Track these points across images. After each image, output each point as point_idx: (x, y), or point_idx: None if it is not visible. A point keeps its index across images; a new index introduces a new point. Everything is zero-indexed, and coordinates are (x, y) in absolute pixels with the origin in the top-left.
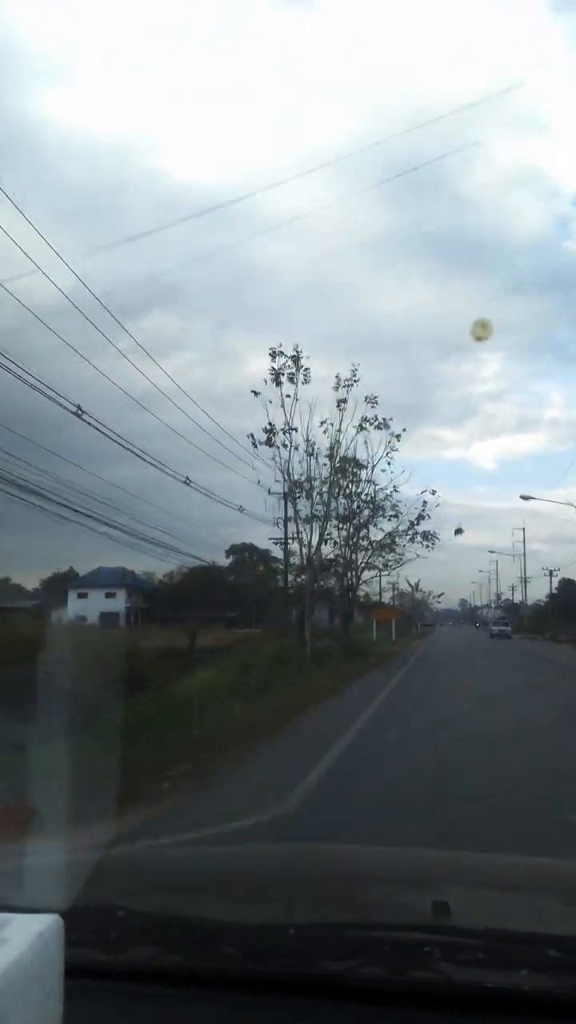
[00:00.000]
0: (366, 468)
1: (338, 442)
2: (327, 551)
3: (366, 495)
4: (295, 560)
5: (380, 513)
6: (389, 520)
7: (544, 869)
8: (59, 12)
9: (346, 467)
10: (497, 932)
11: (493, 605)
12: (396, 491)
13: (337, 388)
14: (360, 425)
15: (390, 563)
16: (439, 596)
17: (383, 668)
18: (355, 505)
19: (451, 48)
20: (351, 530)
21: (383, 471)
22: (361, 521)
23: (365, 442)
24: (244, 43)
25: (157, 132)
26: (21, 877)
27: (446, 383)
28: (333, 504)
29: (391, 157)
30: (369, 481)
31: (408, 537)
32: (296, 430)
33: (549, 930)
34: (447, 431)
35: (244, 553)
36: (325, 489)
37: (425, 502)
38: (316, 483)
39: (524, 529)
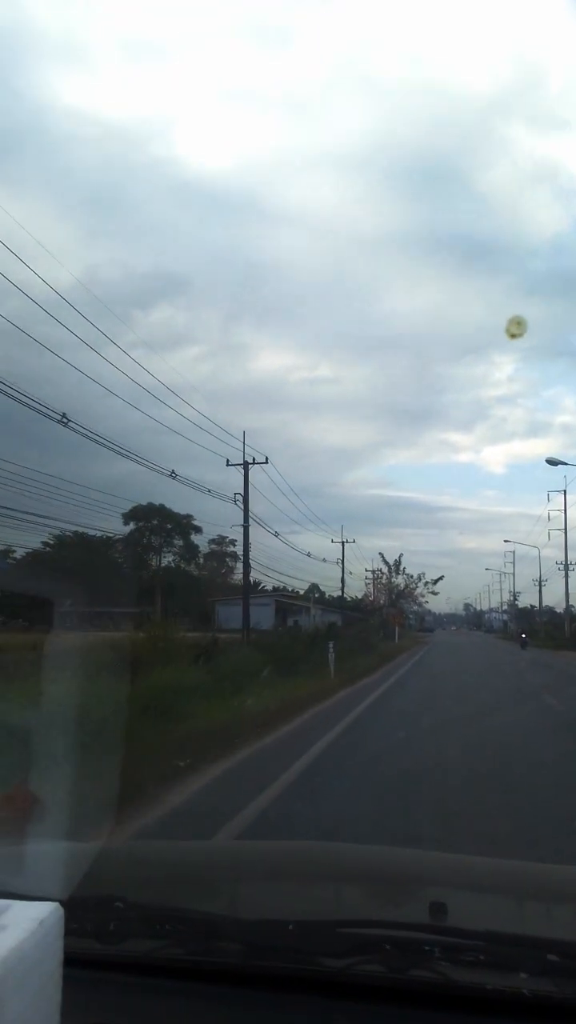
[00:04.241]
0: None
1: None
2: None
3: None
4: None
5: None
6: None
7: (542, 874)
8: None
9: None
10: (497, 935)
11: (504, 608)
12: None
13: None
14: None
15: None
16: (434, 583)
17: None
18: None
19: (471, 41)
20: None
21: None
22: None
23: None
24: (262, 30)
25: (168, 118)
26: (22, 865)
27: (457, 386)
28: None
29: (407, 152)
30: None
31: None
32: None
33: (549, 934)
34: (458, 435)
35: (152, 520)
36: None
37: None
38: None
39: (565, 492)
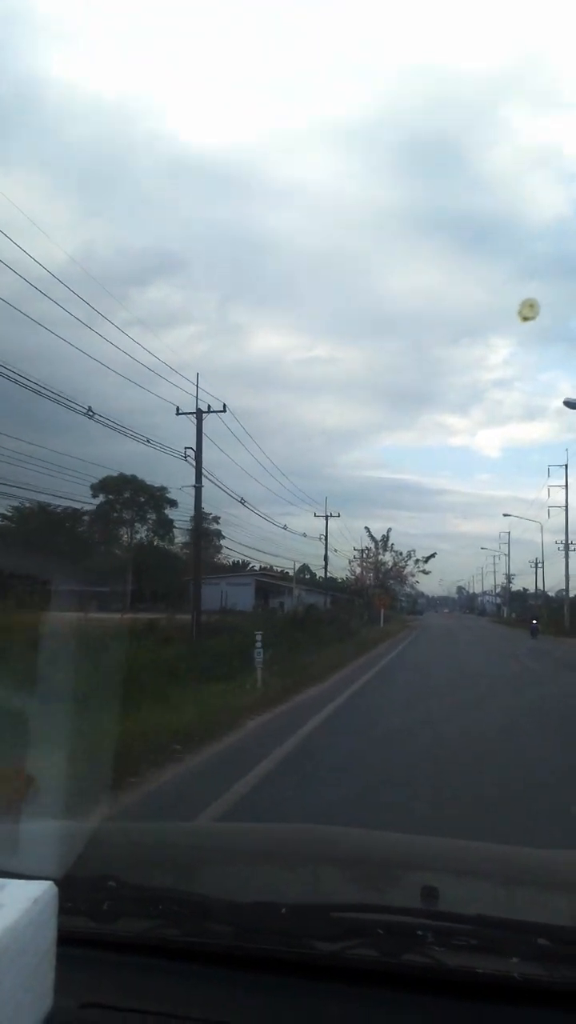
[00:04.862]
0: None
1: None
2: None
3: None
4: None
5: None
6: None
7: (534, 858)
8: None
9: None
10: (488, 919)
11: (498, 591)
12: None
13: None
14: None
15: None
16: (425, 561)
17: None
18: None
19: (471, 18)
20: None
21: None
22: None
23: None
24: (261, 7)
25: (164, 93)
26: (16, 844)
27: (454, 368)
28: None
29: (407, 130)
30: None
31: None
32: None
33: (539, 919)
34: (454, 418)
35: (123, 493)
36: None
37: None
38: None
39: (567, 467)
